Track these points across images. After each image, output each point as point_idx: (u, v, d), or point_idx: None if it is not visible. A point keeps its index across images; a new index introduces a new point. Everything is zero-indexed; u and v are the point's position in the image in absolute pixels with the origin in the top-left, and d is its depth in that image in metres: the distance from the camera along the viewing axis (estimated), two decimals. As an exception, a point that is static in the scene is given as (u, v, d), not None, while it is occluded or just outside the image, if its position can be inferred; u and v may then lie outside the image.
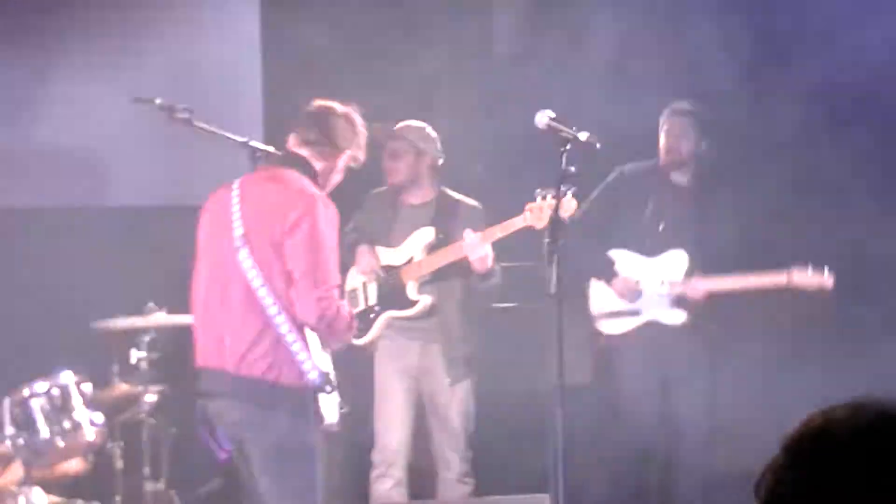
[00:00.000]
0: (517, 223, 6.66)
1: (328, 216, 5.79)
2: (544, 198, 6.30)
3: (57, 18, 8.43)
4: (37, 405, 6.51)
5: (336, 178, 6.02)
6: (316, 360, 5.70)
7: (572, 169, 5.60)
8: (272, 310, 5.63)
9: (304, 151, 5.95)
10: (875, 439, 2.03)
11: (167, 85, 7.76)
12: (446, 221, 7.11)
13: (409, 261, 7.19)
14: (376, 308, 7.29)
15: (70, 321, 7.32)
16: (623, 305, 7.16)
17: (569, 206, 5.94)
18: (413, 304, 7.08)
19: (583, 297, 7.48)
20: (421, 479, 7.39)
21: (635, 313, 7.15)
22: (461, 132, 7.68)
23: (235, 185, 6.01)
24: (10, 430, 6.46)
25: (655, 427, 7.64)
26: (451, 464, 7.21)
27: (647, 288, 7.12)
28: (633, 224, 7.26)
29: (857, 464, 2.01)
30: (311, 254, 5.73)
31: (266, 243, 5.71)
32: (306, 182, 5.87)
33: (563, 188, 5.75)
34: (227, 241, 5.79)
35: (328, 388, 5.70)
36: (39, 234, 7.93)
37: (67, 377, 6.63)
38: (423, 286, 7.09)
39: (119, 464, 7.17)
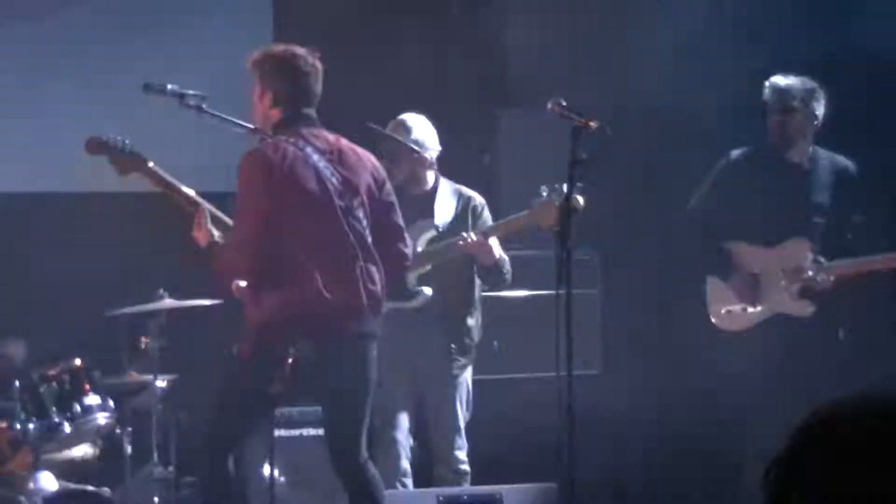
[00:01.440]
0: (522, 219, 6.60)
1: None
2: (549, 194, 6.21)
3: (74, 7, 8.42)
4: (47, 391, 6.69)
5: None
6: None
7: (584, 156, 5.48)
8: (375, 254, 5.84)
9: None
10: (881, 431, 1.98)
11: (179, 72, 7.73)
12: (450, 209, 7.08)
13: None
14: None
15: (81, 307, 7.38)
16: (742, 302, 6.95)
17: (577, 203, 5.72)
18: (413, 295, 7.00)
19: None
20: (419, 470, 7.31)
21: (756, 308, 6.91)
22: (471, 121, 7.65)
23: (308, 147, 5.94)
24: (20, 415, 6.66)
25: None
26: (449, 455, 7.15)
27: (768, 280, 6.90)
28: (749, 212, 7.02)
29: (862, 455, 1.96)
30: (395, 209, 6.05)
31: (365, 197, 5.87)
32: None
33: (575, 176, 5.60)
34: (329, 199, 5.82)
35: None
36: (50, 219, 7.95)
37: (77, 363, 6.79)
38: (422, 277, 6.99)
39: (128, 450, 7.11)
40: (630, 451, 8.08)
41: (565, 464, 5.49)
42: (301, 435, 7.93)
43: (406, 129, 7.21)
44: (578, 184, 5.71)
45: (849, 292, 7.09)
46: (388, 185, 6.18)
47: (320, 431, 7.62)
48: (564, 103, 5.59)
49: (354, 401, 6.06)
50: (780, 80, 7.03)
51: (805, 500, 1.99)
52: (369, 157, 6.18)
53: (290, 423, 7.90)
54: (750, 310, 6.81)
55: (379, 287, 5.88)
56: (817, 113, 6.95)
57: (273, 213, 5.84)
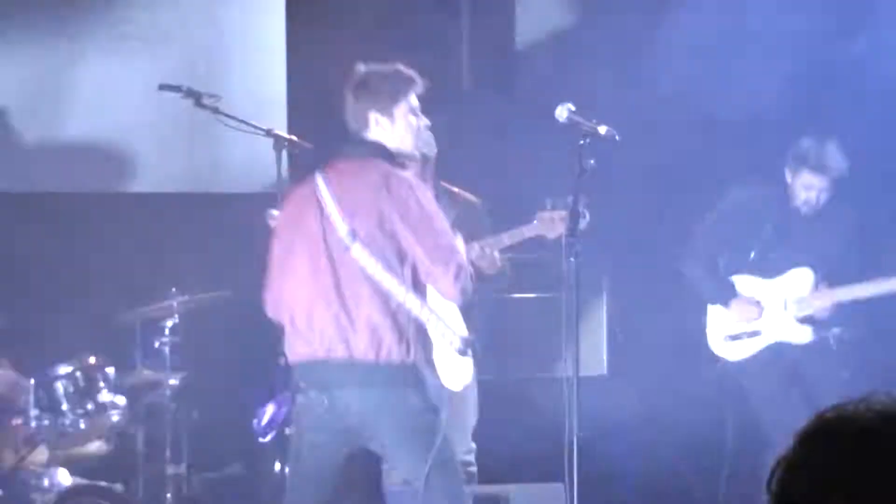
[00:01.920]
0: (526, 232, 6.51)
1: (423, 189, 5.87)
2: (554, 207, 6.12)
3: (86, 6, 8.41)
4: (61, 388, 6.65)
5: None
6: (455, 327, 5.76)
7: (591, 162, 5.54)
8: (400, 295, 5.63)
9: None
10: (885, 436, 1.99)
11: (192, 73, 7.83)
12: (446, 213, 7.09)
13: None
14: None
15: (95, 307, 7.39)
16: (743, 329, 7.05)
17: (583, 220, 5.77)
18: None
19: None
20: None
21: (756, 336, 7.02)
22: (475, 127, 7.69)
23: (319, 182, 5.85)
24: (35, 412, 6.59)
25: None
26: (457, 454, 7.17)
27: (770, 309, 7.01)
28: (751, 250, 7.15)
29: (866, 459, 1.97)
30: (427, 230, 5.76)
31: (375, 230, 5.69)
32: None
33: (582, 182, 5.65)
34: (330, 240, 5.73)
35: (469, 350, 5.76)
36: (65, 220, 7.89)
37: (92, 361, 6.76)
38: None
39: (141, 447, 7.21)
40: (635, 451, 8.01)
41: (572, 464, 5.50)
42: None
43: None
44: (584, 196, 5.73)
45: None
46: None
47: None
48: (573, 108, 5.60)
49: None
50: (810, 144, 7.10)
51: (807, 497, 2.00)
52: None
53: None
54: (751, 338, 6.91)
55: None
56: (837, 174, 7.11)
57: None
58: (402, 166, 5.82)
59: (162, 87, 7.11)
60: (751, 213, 7.30)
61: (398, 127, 5.75)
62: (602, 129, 5.54)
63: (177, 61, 8.21)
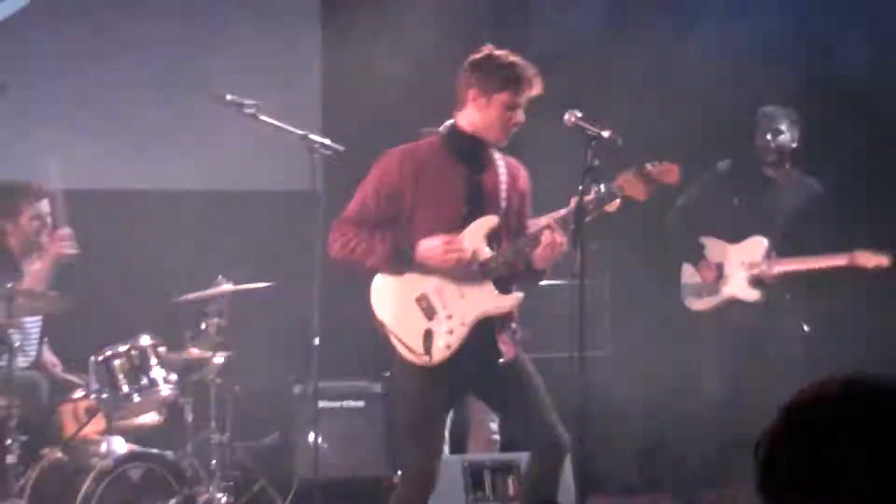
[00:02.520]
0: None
1: None
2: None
3: (140, 16, 8.50)
4: (118, 364, 6.78)
5: None
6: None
7: (596, 162, 5.49)
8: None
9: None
10: (863, 411, 2.05)
11: (235, 79, 7.87)
12: None
13: None
14: None
15: (150, 292, 7.45)
16: (707, 285, 7.29)
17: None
18: None
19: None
20: (457, 440, 7.39)
21: (717, 292, 7.26)
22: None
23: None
24: (95, 386, 6.77)
25: (734, 389, 7.66)
26: (483, 423, 7.26)
27: (730, 270, 7.24)
28: (725, 215, 7.44)
29: (845, 433, 2.03)
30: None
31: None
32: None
33: (588, 181, 5.51)
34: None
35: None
36: (127, 214, 7.94)
37: (145, 341, 6.89)
38: None
39: (189, 417, 7.22)
40: (635, 421, 8.26)
41: (578, 434, 5.52)
42: (342, 407, 8.02)
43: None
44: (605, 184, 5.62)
45: (809, 290, 7.44)
46: None
47: (359, 403, 8.00)
48: (580, 114, 5.53)
49: None
50: (769, 108, 7.45)
51: (790, 470, 2.05)
52: None
53: (334, 396, 7.98)
54: (711, 295, 7.13)
55: None
56: (796, 137, 7.38)
57: None
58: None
59: (210, 96, 7.21)
60: (725, 184, 7.58)
61: (490, 113, 5.52)
62: (606, 133, 5.43)
63: (224, 73, 8.17)
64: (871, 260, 7.05)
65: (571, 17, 8.96)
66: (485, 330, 5.55)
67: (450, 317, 5.51)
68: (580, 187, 5.48)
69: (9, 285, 6.58)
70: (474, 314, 5.52)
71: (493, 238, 5.54)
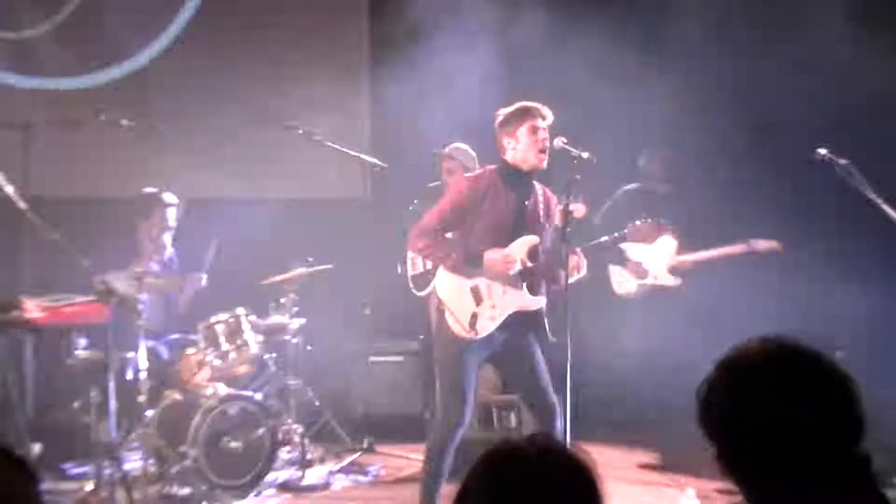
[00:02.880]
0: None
1: None
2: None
3: (230, 67, 8.40)
4: (220, 329, 6.85)
5: None
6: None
7: (577, 177, 5.40)
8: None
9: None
10: (777, 362, 2.05)
11: (305, 112, 7.83)
12: None
13: None
14: (431, 272, 6.96)
15: (243, 275, 7.34)
16: (636, 278, 7.15)
17: (579, 210, 5.60)
18: None
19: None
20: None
21: (643, 280, 7.14)
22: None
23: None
24: (202, 345, 6.86)
25: (651, 355, 7.67)
26: (488, 372, 6.83)
27: (650, 264, 7.09)
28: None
29: (763, 379, 2.03)
30: None
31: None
32: None
33: (570, 196, 5.41)
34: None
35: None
36: (230, 218, 7.58)
37: (240, 311, 6.91)
38: None
39: (272, 368, 7.30)
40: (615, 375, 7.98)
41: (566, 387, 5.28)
42: (386, 360, 8.03)
43: (458, 152, 7.25)
44: (581, 197, 5.60)
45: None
46: None
47: (399, 358, 7.98)
48: (566, 140, 5.47)
49: None
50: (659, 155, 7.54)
51: (721, 411, 2.06)
52: None
53: (380, 353, 8.04)
54: (639, 283, 6.93)
55: None
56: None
57: None
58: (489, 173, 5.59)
59: (285, 127, 7.34)
60: (633, 202, 7.50)
61: (520, 145, 5.50)
62: (585, 154, 5.39)
63: (297, 107, 8.05)
64: (765, 246, 6.96)
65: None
66: (512, 319, 5.51)
67: (493, 306, 5.50)
68: (565, 196, 5.41)
69: (138, 269, 6.63)
70: (510, 308, 5.51)
71: (532, 252, 5.52)
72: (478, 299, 5.54)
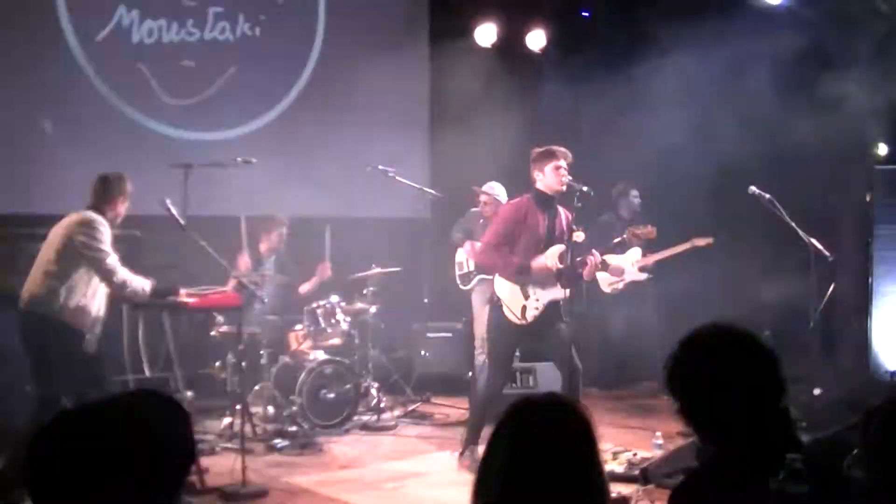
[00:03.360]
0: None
1: None
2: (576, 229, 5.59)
3: (323, 120, 8.19)
4: (319, 311, 6.81)
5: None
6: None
7: (579, 205, 5.40)
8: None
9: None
10: (722, 340, 2.01)
11: (383, 155, 7.65)
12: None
13: None
14: (473, 272, 7.03)
15: (337, 272, 7.14)
16: (616, 278, 6.72)
17: (579, 236, 5.47)
18: None
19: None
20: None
21: (622, 278, 6.74)
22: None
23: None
24: (306, 323, 6.81)
25: (631, 333, 7.55)
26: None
27: (625, 266, 6.68)
28: (610, 241, 6.84)
29: (713, 352, 2.00)
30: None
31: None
32: None
33: (574, 226, 5.44)
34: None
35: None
36: (319, 232, 7.22)
37: (334, 299, 6.88)
38: None
39: (357, 341, 7.21)
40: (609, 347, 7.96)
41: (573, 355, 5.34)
42: (439, 336, 7.95)
43: (492, 188, 7.14)
44: (582, 226, 5.46)
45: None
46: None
47: (448, 334, 7.88)
48: (570, 177, 5.39)
49: None
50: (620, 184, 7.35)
51: (682, 375, 2.01)
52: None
53: (435, 330, 7.96)
54: (619, 282, 6.63)
55: None
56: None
57: None
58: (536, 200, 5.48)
59: (370, 168, 7.35)
60: (609, 226, 7.32)
61: (548, 176, 5.43)
62: (585, 188, 5.33)
63: (376, 152, 7.75)
64: (702, 241, 6.74)
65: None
66: (547, 307, 5.48)
67: (537, 299, 5.46)
68: (572, 225, 5.44)
69: (260, 273, 6.68)
70: (548, 298, 5.48)
71: (561, 257, 5.44)
72: (525, 295, 5.49)
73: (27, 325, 4.95)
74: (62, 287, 4.93)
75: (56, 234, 5.11)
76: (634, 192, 7.97)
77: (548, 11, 8.91)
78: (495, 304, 5.52)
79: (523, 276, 5.45)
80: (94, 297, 5.05)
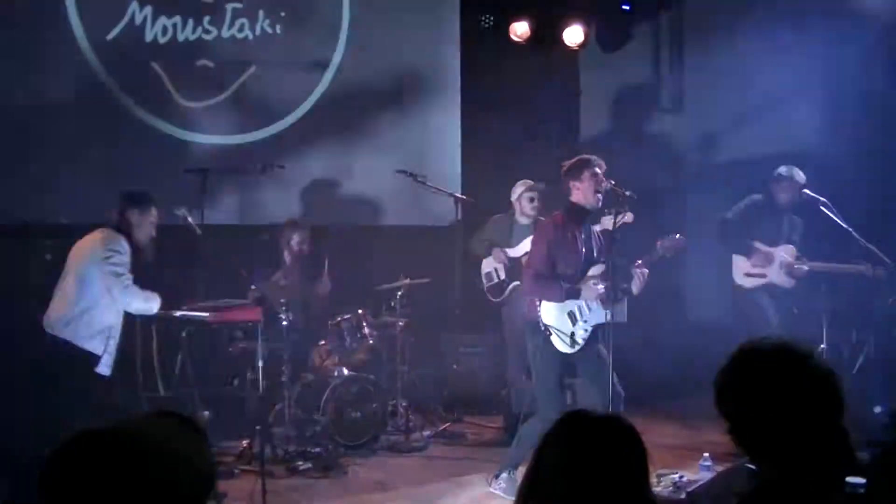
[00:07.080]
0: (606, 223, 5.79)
1: None
2: (609, 213, 5.61)
3: (351, 121, 8.21)
4: (344, 326, 6.85)
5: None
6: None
7: (627, 209, 5.43)
8: None
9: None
10: (778, 359, 2.00)
11: (411, 161, 7.76)
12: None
13: (523, 255, 6.70)
14: (506, 281, 7.08)
15: (362, 284, 7.31)
16: (756, 271, 6.68)
17: (629, 218, 5.43)
18: None
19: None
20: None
21: (763, 276, 6.67)
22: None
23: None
24: (330, 338, 6.86)
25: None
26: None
27: (771, 263, 6.63)
28: (758, 226, 6.69)
29: (768, 372, 1.98)
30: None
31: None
32: None
33: (617, 214, 5.42)
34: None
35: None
36: (347, 240, 7.58)
37: (360, 312, 6.92)
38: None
39: (384, 356, 7.27)
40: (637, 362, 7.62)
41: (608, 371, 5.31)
42: (470, 350, 7.88)
43: (538, 188, 7.11)
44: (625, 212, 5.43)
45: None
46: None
47: (480, 349, 7.84)
48: (613, 182, 5.41)
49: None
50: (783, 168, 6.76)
51: (734, 394, 2.00)
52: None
53: (466, 344, 7.89)
54: (758, 277, 6.52)
55: None
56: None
57: None
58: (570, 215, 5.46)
59: (397, 171, 7.39)
60: (758, 209, 6.81)
61: (583, 188, 5.41)
62: (628, 192, 5.34)
63: (404, 156, 7.95)
64: (871, 272, 6.50)
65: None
66: (594, 330, 5.45)
67: (585, 321, 5.41)
68: (613, 224, 5.43)
69: (282, 282, 6.71)
70: (595, 321, 5.44)
71: (602, 276, 5.41)
72: (573, 320, 5.44)
73: (46, 345, 5.17)
74: (80, 307, 5.17)
75: (77, 253, 5.33)
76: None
77: (585, 4, 8.95)
78: (543, 333, 5.45)
79: (572, 299, 5.43)
80: (110, 315, 5.24)
